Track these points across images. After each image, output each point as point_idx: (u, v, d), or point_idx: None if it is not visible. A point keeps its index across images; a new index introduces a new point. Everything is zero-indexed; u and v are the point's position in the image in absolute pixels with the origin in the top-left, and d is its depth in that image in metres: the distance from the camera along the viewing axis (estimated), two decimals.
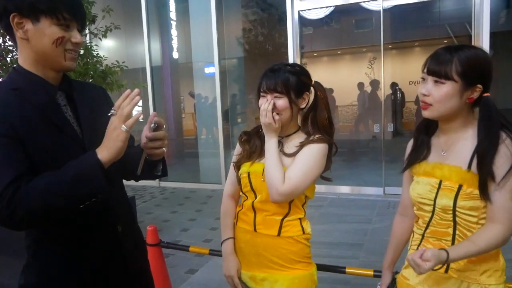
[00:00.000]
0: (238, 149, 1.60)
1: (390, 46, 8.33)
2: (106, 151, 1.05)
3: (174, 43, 7.57)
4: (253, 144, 1.55)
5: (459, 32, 8.74)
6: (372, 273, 1.97)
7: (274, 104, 1.42)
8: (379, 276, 1.95)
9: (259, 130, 1.57)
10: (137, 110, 1.08)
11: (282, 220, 1.48)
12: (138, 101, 1.06)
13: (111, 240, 1.24)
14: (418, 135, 1.37)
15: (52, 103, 1.16)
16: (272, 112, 1.42)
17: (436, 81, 1.20)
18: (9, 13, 1.07)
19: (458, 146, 1.24)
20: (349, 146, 8.73)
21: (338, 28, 10.38)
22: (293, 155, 1.45)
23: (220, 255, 1.61)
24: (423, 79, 1.24)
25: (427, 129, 1.35)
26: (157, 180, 7.04)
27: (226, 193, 1.66)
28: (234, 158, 1.60)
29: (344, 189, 5.88)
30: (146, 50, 7.05)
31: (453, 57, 1.17)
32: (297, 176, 1.39)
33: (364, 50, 10.96)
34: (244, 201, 1.56)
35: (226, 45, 6.86)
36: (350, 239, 3.97)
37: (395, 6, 5.82)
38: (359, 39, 10.54)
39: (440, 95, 1.19)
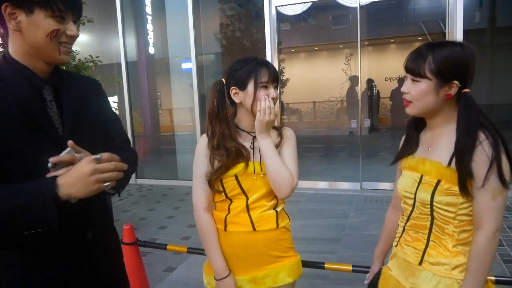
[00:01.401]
0: (206, 161, 1.47)
1: (366, 43, 8.43)
2: (71, 189, 0.96)
3: (150, 38, 7.43)
4: (227, 152, 1.44)
5: (433, 29, 8.93)
6: (350, 268, 1.99)
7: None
8: (358, 271, 1.98)
9: (223, 132, 1.45)
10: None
11: (276, 211, 1.49)
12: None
13: (78, 246, 1.16)
14: (409, 129, 1.40)
15: (36, 98, 1.09)
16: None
17: (413, 79, 1.24)
18: (0, 3, 1.02)
19: (441, 141, 1.26)
20: (326, 142, 8.81)
21: (315, 25, 10.44)
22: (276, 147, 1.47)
23: (199, 253, 1.58)
24: (406, 77, 1.28)
25: (417, 125, 1.38)
26: (134, 177, 6.93)
27: (200, 206, 1.50)
28: (204, 170, 1.47)
29: (322, 185, 5.93)
30: (121, 45, 6.90)
31: (428, 55, 1.19)
32: (296, 168, 1.47)
33: (341, 46, 11.06)
34: (230, 204, 1.49)
35: (203, 40, 6.79)
36: (328, 234, 4.00)
37: (372, 3, 5.88)
38: (336, 35, 10.64)
39: (416, 92, 1.23)
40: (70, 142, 1.01)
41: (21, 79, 1.07)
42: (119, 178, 1.04)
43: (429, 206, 1.23)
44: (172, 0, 6.92)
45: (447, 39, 5.20)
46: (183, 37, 6.49)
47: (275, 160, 1.41)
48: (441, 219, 1.22)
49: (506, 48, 8.48)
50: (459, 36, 4.88)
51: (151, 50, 7.46)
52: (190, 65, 6.54)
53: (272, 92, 1.44)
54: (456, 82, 1.19)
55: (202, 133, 6.71)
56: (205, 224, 1.51)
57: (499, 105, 8.18)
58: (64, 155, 1.00)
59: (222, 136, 1.46)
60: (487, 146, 1.14)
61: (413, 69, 1.22)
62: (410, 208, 1.31)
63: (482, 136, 1.15)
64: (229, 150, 1.44)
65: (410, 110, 1.28)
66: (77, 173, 0.97)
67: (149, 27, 7.31)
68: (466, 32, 4.94)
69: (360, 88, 6.21)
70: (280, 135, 1.53)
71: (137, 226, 4.45)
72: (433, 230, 1.25)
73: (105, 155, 1.00)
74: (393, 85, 8.79)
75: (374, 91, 9.23)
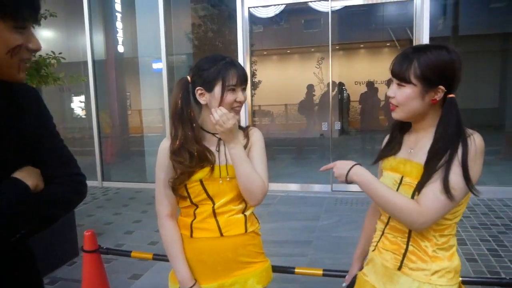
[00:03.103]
0: (169, 165, 1.40)
1: (337, 47, 8.54)
2: None
3: (119, 36, 7.22)
4: (191, 157, 1.36)
5: (401, 36, 9.15)
6: (321, 272, 1.96)
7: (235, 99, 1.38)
8: (328, 275, 1.96)
9: (186, 135, 1.38)
10: None
11: (245, 215, 1.43)
12: None
13: None
14: (393, 130, 1.38)
15: None
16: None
17: (398, 84, 1.22)
18: None
19: (424, 144, 1.23)
20: (298, 144, 8.85)
21: (288, 28, 10.49)
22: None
23: (166, 260, 1.50)
24: (392, 80, 1.26)
25: (402, 126, 1.36)
26: (100, 180, 6.72)
27: (163, 213, 1.43)
28: (167, 175, 1.40)
29: (293, 187, 5.93)
30: (87, 42, 6.68)
31: (413, 60, 1.17)
32: (266, 172, 1.43)
33: (312, 50, 11.16)
34: (195, 210, 1.42)
35: (175, 40, 6.67)
36: (298, 237, 3.98)
37: (343, 8, 5.95)
38: (308, 39, 10.73)
39: (402, 97, 1.21)
40: None
41: None
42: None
43: None
44: None
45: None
46: (154, 37, 6.36)
47: (247, 168, 1.35)
48: None
49: (468, 56, 8.80)
50: (425, 42, 5.01)
51: (120, 48, 7.26)
52: (160, 65, 6.41)
53: (240, 95, 1.37)
54: (441, 87, 1.17)
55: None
56: (169, 232, 1.43)
57: (462, 111, 8.47)
58: None
59: (185, 138, 1.37)
60: (472, 150, 1.13)
61: (399, 73, 1.20)
62: None
63: (464, 141, 1.14)
64: (192, 154, 1.36)
65: (396, 115, 1.26)
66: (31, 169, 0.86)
67: (119, 25, 7.12)
68: (431, 39, 5.07)
69: (331, 91, 6.26)
70: (247, 136, 1.46)
71: (101, 232, 4.29)
72: (412, 234, 1.22)
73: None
74: (363, 89, 8.94)
75: (345, 95, 9.37)
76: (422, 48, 1.19)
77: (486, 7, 6.98)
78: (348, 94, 9.64)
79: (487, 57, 8.60)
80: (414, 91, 1.18)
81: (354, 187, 5.67)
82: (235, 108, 1.38)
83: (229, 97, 1.35)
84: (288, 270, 1.99)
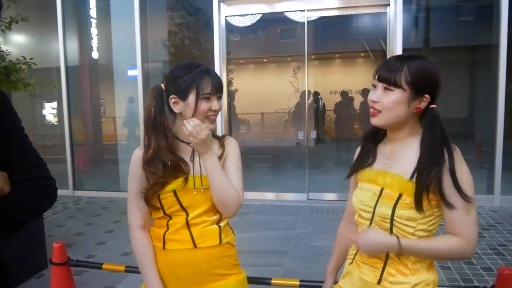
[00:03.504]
0: (142, 175, 1.36)
1: (313, 57, 8.65)
2: None
3: (94, 42, 7.08)
4: (164, 167, 1.33)
5: (374, 47, 9.36)
6: (298, 283, 1.94)
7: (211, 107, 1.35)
8: (305, 286, 1.94)
9: (160, 144, 1.34)
10: None
11: (219, 226, 1.40)
12: None
13: None
14: (365, 142, 1.35)
15: None
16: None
17: (385, 88, 1.19)
18: None
19: (403, 155, 1.23)
20: (274, 153, 8.87)
21: (264, 37, 10.57)
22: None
23: (138, 272, 1.45)
24: (374, 86, 1.24)
25: (374, 137, 1.34)
26: (71, 189, 6.52)
27: (134, 225, 1.40)
28: (139, 185, 1.37)
29: (269, 196, 5.92)
30: (60, 48, 6.52)
31: (403, 65, 1.17)
32: (241, 183, 1.40)
33: (288, 59, 11.28)
34: (169, 221, 1.38)
35: (150, 47, 6.60)
36: (274, 246, 3.96)
37: (319, 18, 6.04)
38: (284, 48, 10.83)
39: (389, 102, 1.18)
40: None
41: None
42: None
43: (389, 221, 1.18)
44: (118, 4, 6.67)
45: (387, 57, 5.46)
46: (129, 43, 6.26)
47: (221, 180, 1.32)
48: (400, 235, 1.18)
49: (439, 67, 9.04)
50: (399, 53, 5.13)
51: (95, 55, 7.12)
52: (136, 72, 6.31)
53: (215, 104, 1.35)
54: (427, 96, 1.18)
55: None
56: (140, 243, 1.40)
57: None
58: None
59: (158, 148, 1.34)
60: (458, 161, 1.14)
61: (389, 77, 1.18)
62: (368, 223, 1.26)
63: (454, 154, 1.14)
64: (165, 164, 1.33)
65: (378, 121, 1.22)
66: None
67: (93, 30, 6.99)
68: (404, 50, 5.21)
69: (307, 100, 6.32)
70: (222, 146, 1.44)
71: (72, 242, 4.15)
72: None
73: None
74: (338, 98, 9.06)
75: (320, 104, 9.48)
76: (409, 57, 1.19)
77: (455, 20, 7.24)
78: (324, 103, 9.76)
79: (457, 69, 8.90)
80: (402, 96, 1.17)
81: (329, 196, 5.72)
82: (209, 117, 1.35)
83: (204, 105, 1.33)
84: (264, 281, 1.96)
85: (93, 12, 6.92)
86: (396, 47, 5.18)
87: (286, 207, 5.41)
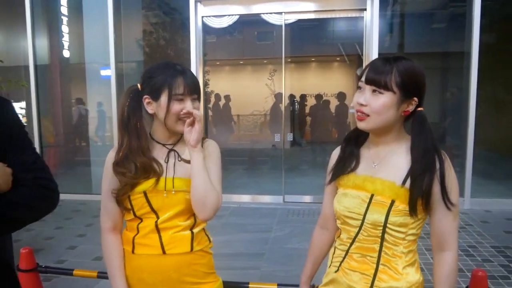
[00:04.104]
0: (113, 176, 1.32)
1: (289, 60, 8.70)
2: None
3: (65, 40, 6.87)
4: (136, 168, 1.30)
5: (350, 51, 9.49)
6: (275, 287, 1.91)
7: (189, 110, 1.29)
8: None
9: (131, 145, 1.32)
10: None
11: (192, 232, 1.34)
12: None
13: None
14: (347, 145, 1.31)
15: None
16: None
17: (374, 91, 1.15)
18: None
19: (391, 160, 1.20)
20: (250, 155, 8.84)
21: (241, 39, 10.54)
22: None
23: None
24: (360, 88, 1.19)
25: (356, 140, 1.30)
26: None
27: (105, 226, 1.37)
28: (111, 186, 1.33)
29: (245, 198, 5.89)
30: (29, 45, 6.30)
31: (392, 67, 1.13)
32: (220, 187, 1.35)
33: (265, 62, 11.29)
34: (139, 224, 1.33)
35: (124, 47, 6.46)
36: (251, 249, 3.93)
37: (296, 22, 6.07)
38: (260, 51, 10.84)
39: (378, 105, 1.14)
40: None
41: None
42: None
43: (381, 228, 1.16)
44: (91, 1, 6.50)
45: (364, 62, 5.54)
46: (102, 42, 6.11)
47: (205, 179, 1.26)
48: (391, 241, 1.17)
49: None
50: (375, 57, 5.21)
51: (66, 53, 6.91)
52: (109, 72, 6.16)
53: (188, 105, 1.29)
54: (415, 98, 1.16)
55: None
56: (109, 246, 1.36)
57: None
58: None
59: (129, 149, 1.30)
60: (450, 169, 1.14)
61: (378, 80, 1.13)
62: (356, 230, 1.22)
63: (440, 158, 1.14)
64: (136, 165, 1.29)
65: (367, 125, 1.17)
66: None
67: (64, 28, 6.78)
68: (380, 55, 5.28)
69: (284, 103, 6.33)
70: (201, 147, 1.38)
71: (41, 247, 3.99)
72: (382, 253, 1.18)
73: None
74: (313, 102, 9.13)
75: (296, 107, 9.53)
76: (397, 58, 1.16)
77: (428, 27, 7.42)
78: (300, 106, 9.82)
79: (429, 74, 9.05)
80: (392, 99, 1.13)
81: (306, 198, 5.74)
82: (182, 118, 1.29)
83: (176, 107, 1.28)
84: (242, 285, 1.92)
85: (64, 9, 6.72)
86: (372, 52, 5.26)
87: (262, 210, 5.39)
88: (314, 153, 8.85)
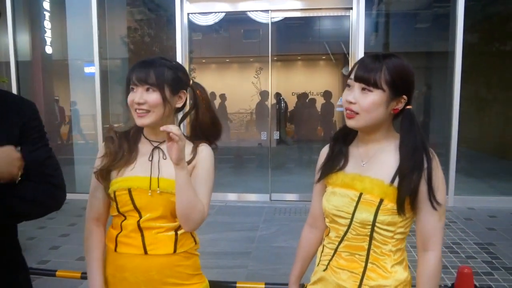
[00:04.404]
0: (101, 152, 1.36)
1: (275, 58, 8.71)
2: None
3: (48, 36, 6.71)
4: (120, 147, 1.32)
5: (335, 50, 9.53)
6: (263, 286, 1.90)
7: (143, 99, 1.25)
8: None
9: (128, 132, 1.37)
10: None
11: (177, 234, 1.31)
12: None
13: None
14: (335, 143, 1.30)
15: None
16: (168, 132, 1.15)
17: (363, 89, 1.14)
18: None
19: (380, 158, 1.19)
20: (236, 153, 8.82)
21: (227, 37, 10.49)
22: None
23: None
24: (349, 85, 1.18)
25: (345, 138, 1.29)
26: None
27: (89, 216, 1.37)
28: (96, 164, 1.34)
29: (232, 197, 5.87)
30: (10, 41, 6.15)
31: (382, 65, 1.12)
32: (208, 197, 1.32)
33: (251, 60, 11.26)
34: (123, 221, 1.31)
35: (109, 43, 6.36)
36: (237, 248, 3.92)
37: (282, 20, 6.07)
38: (247, 49, 10.81)
39: (367, 103, 1.13)
40: None
41: None
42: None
43: (369, 227, 1.16)
44: None
45: (350, 60, 5.57)
46: (86, 39, 6.01)
47: (189, 194, 1.21)
48: (380, 239, 1.17)
49: None
50: (361, 56, 5.23)
51: (48, 49, 6.76)
52: (93, 69, 6.06)
53: (137, 96, 1.25)
54: (405, 96, 1.15)
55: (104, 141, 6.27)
56: (90, 236, 1.35)
57: None
58: None
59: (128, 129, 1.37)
60: (438, 167, 1.13)
61: (368, 78, 1.12)
62: (344, 229, 1.21)
63: (428, 157, 1.13)
64: (116, 144, 1.33)
65: (356, 123, 1.17)
66: (2, 155, 0.95)
67: (47, 24, 6.64)
68: (365, 54, 5.32)
69: (270, 101, 6.33)
70: (195, 151, 1.34)
71: (23, 248, 3.89)
72: (371, 252, 1.18)
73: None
74: (299, 100, 9.15)
75: (282, 105, 9.54)
76: (387, 55, 1.15)
77: (412, 27, 7.52)
78: (286, 104, 9.84)
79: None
80: (381, 97, 1.13)
81: (292, 196, 5.75)
82: (136, 110, 1.26)
83: (129, 97, 1.27)
84: (229, 285, 1.91)
85: (46, 4, 6.57)
86: (358, 50, 5.29)
87: (249, 208, 5.37)
88: (301, 151, 8.87)
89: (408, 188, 1.11)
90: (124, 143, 1.33)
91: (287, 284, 1.55)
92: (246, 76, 9.98)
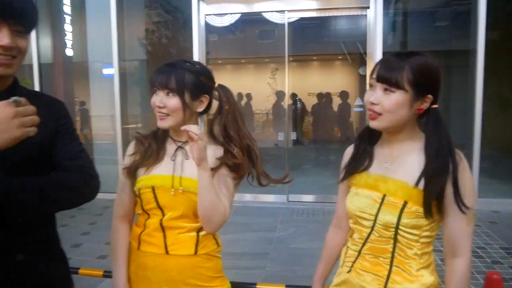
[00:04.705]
0: (131, 150, 1.38)
1: (291, 58, 8.69)
2: None
3: (68, 39, 6.86)
4: (148, 146, 1.35)
5: (352, 50, 9.45)
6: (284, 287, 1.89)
7: (163, 103, 1.26)
8: None
9: (156, 132, 1.39)
10: None
11: (198, 235, 1.31)
12: None
13: (3, 271, 1.03)
14: (360, 143, 1.27)
15: None
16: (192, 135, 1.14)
17: (386, 89, 1.11)
18: None
19: (405, 159, 1.16)
20: None
21: (243, 38, 10.53)
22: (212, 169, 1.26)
23: None
24: (371, 85, 1.16)
25: (370, 138, 1.26)
26: None
27: (116, 214, 1.40)
28: (125, 162, 1.37)
29: (249, 197, 5.86)
30: (33, 44, 6.29)
31: (404, 64, 1.09)
32: (231, 200, 1.32)
33: (267, 60, 11.27)
34: (146, 220, 1.32)
35: (127, 45, 6.45)
36: (255, 249, 3.91)
37: (298, 20, 6.03)
38: (262, 49, 10.82)
39: (390, 104, 1.10)
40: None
41: None
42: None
43: (393, 230, 1.13)
44: (94, 1, 6.50)
45: (367, 60, 5.50)
46: (105, 41, 6.11)
47: (212, 197, 1.21)
48: (405, 242, 1.14)
49: None
50: (378, 56, 5.17)
51: (69, 52, 6.90)
52: (112, 70, 6.16)
53: (158, 99, 1.26)
54: (430, 96, 1.12)
55: (123, 142, 6.37)
56: (114, 234, 1.39)
57: None
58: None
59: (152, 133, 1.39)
60: (465, 170, 1.10)
61: (390, 78, 1.09)
62: (368, 230, 1.19)
63: (456, 159, 1.10)
64: (145, 144, 1.36)
65: (379, 124, 1.14)
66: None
67: (68, 27, 6.78)
68: (383, 54, 5.25)
69: (287, 102, 6.31)
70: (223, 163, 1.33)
71: None
72: (395, 254, 1.15)
73: (23, 98, 0.88)
74: (315, 100, 9.11)
75: (299, 106, 9.51)
76: (410, 53, 1.12)
77: (431, 25, 7.40)
78: (303, 104, 9.80)
79: None
80: (405, 97, 1.09)
81: (309, 198, 5.71)
82: (157, 112, 1.28)
83: (152, 99, 1.29)
84: (249, 286, 1.90)
85: (67, 8, 6.71)
86: (375, 50, 5.22)
87: (266, 209, 5.36)
88: (317, 152, 8.82)
89: (435, 191, 1.08)
90: (153, 142, 1.36)
91: (307, 287, 1.54)
92: (262, 77, 9.99)
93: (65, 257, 1.28)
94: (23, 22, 1.04)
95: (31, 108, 0.89)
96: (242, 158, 1.32)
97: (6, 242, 1.04)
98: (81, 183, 1.11)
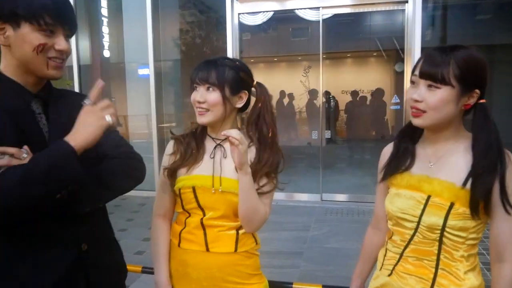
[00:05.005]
0: (170, 150, 1.39)
1: (325, 56, 8.59)
2: (81, 137, 0.96)
3: (105, 41, 7.09)
4: (188, 146, 1.35)
5: (387, 46, 9.22)
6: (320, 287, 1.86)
7: (204, 97, 1.27)
8: None
9: (194, 131, 1.39)
10: None
11: (238, 233, 1.32)
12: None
13: (71, 260, 1.08)
14: (401, 142, 1.22)
15: (25, 111, 1.07)
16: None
17: (430, 86, 1.06)
18: None
19: (451, 159, 1.12)
20: (285, 153, 8.79)
21: (275, 36, 10.49)
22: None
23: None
24: (413, 82, 1.11)
25: (412, 136, 1.21)
26: None
27: (156, 212, 1.42)
28: (165, 162, 1.38)
29: (283, 196, 5.83)
30: (73, 46, 6.51)
31: (449, 58, 1.04)
32: (271, 200, 1.36)
33: (299, 58, 11.17)
34: (187, 218, 1.34)
35: (162, 46, 6.57)
36: (289, 248, 3.89)
37: (332, 17, 5.93)
38: (295, 47, 10.74)
39: (435, 101, 1.05)
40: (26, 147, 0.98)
41: (10, 92, 1.06)
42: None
43: (438, 231, 1.09)
44: (130, 3, 6.65)
45: (405, 56, 5.34)
46: (141, 42, 6.26)
47: (252, 199, 1.25)
48: (450, 244, 1.09)
49: None
50: (417, 53, 5.01)
51: (106, 53, 7.12)
52: (147, 71, 6.30)
53: (198, 94, 1.28)
54: (477, 91, 1.07)
55: (159, 140, 6.51)
56: (155, 232, 1.41)
57: None
58: (11, 148, 0.96)
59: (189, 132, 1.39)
60: (508, 170, 1.04)
61: (435, 74, 1.04)
62: (411, 232, 1.14)
63: (506, 158, 1.04)
64: (185, 144, 1.36)
65: (423, 121, 1.09)
66: (82, 119, 0.98)
67: (105, 29, 6.99)
68: (422, 49, 5.07)
69: (321, 100, 6.24)
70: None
71: None
72: (441, 257, 1.10)
73: (92, 95, 1.01)
74: (349, 98, 8.95)
75: (332, 104, 9.37)
76: (454, 47, 1.06)
77: (473, 19, 7.10)
78: (336, 103, 9.65)
79: None
80: (451, 94, 1.04)
81: (343, 197, 5.62)
82: (197, 108, 1.29)
83: (192, 95, 1.30)
84: (285, 286, 1.88)
85: (104, 11, 6.92)
86: (414, 46, 5.06)
87: (299, 208, 5.33)
88: (351, 151, 8.67)
89: (483, 191, 1.02)
90: (192, 141, 1.36)
91: (344, 287, 1.52)
92: (294, 75, 9.92)
93: (119, 245, 1.35)
94: (71, 28, 1.10)
95: (107, 101, 1.01)
96: (275, 162, 1.35)
97: (74, 233, 1.10)
98: (132, 168, 1.19)
